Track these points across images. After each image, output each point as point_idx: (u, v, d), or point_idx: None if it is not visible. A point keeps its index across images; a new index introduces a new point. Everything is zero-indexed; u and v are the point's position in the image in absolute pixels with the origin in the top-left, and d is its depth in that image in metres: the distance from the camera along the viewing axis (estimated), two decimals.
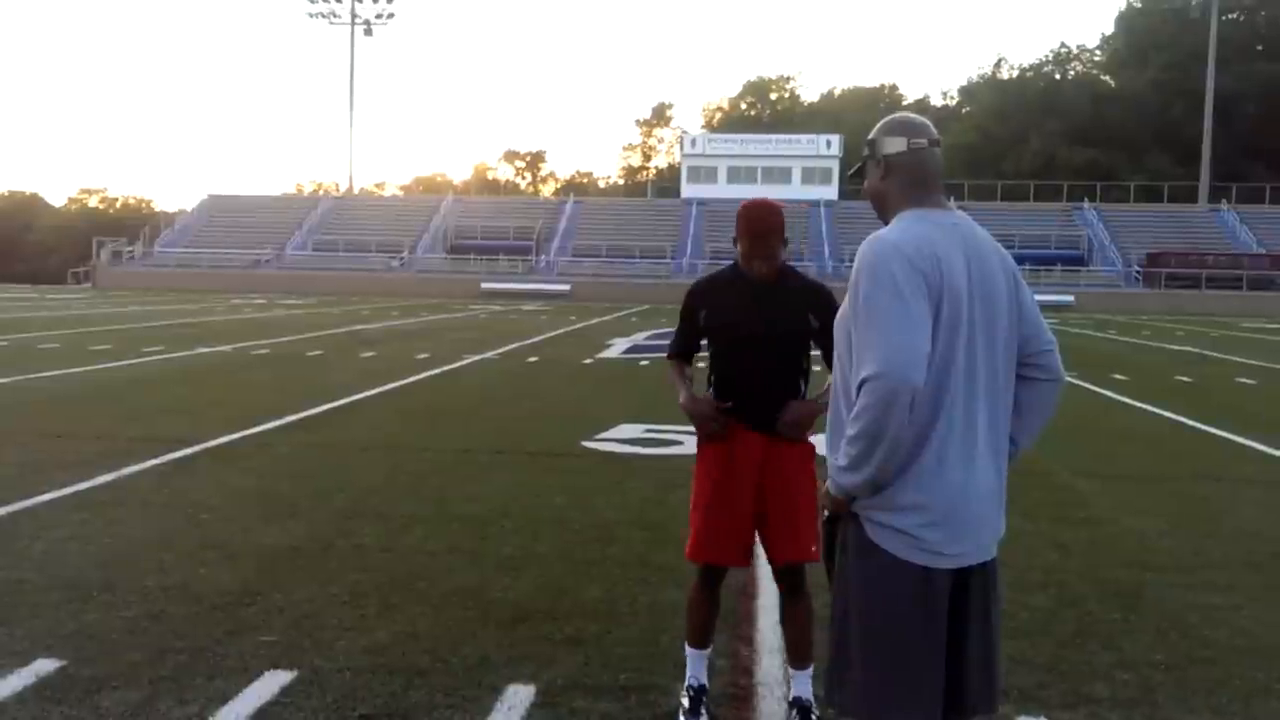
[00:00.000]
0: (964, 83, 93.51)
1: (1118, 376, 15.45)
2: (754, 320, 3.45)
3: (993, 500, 2.41)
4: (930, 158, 2.49)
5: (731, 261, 3.60)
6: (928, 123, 2.53)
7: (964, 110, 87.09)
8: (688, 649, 3.66)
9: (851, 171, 2.71)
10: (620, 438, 9.03)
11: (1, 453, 7.82)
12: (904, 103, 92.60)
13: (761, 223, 3.51)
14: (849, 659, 2.41)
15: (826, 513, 2.50)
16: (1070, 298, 46.71)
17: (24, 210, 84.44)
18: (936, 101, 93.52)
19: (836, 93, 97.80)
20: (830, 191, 60.99)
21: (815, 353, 3.44)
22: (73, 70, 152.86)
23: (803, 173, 61.93)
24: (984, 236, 2.47)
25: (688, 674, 3.62)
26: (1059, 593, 4.96)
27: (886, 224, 2.47)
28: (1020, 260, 45.29)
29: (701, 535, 3.61)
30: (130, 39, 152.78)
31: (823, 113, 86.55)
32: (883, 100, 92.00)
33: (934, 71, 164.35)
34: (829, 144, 61.99)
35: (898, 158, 2.48)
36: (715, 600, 3.70)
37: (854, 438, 2.28)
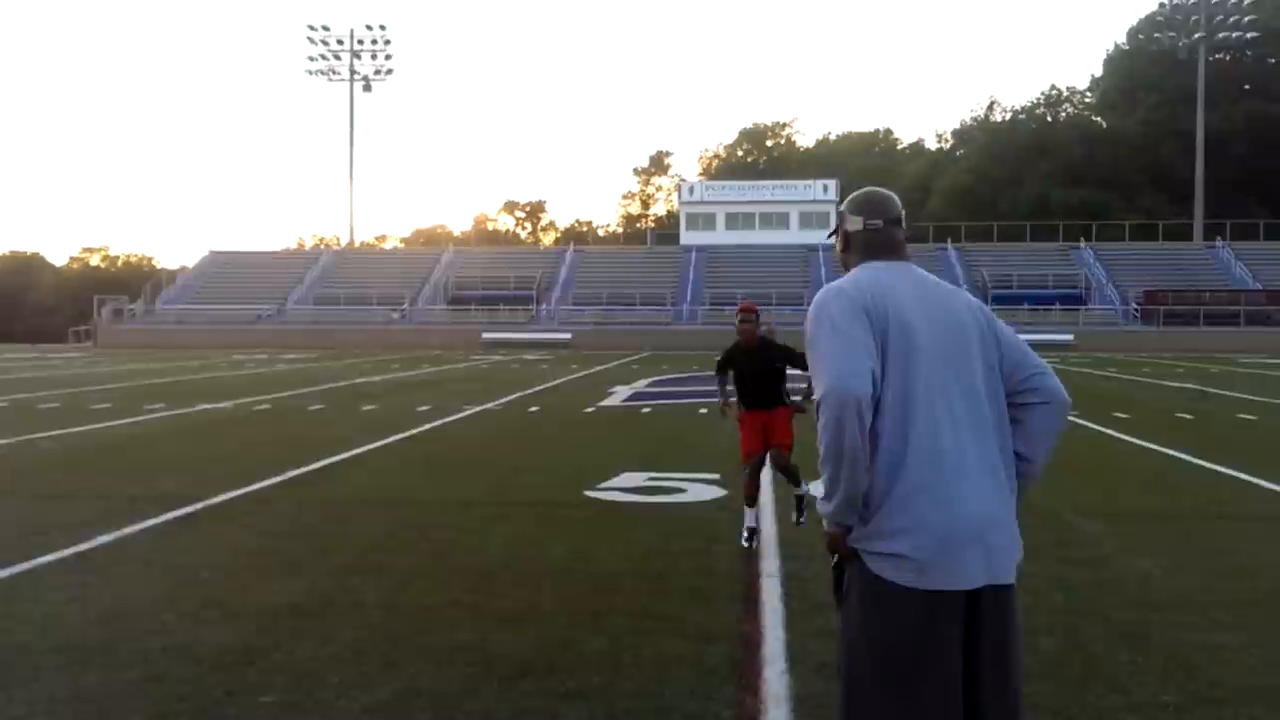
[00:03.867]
0: (958, 125, 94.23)
1: (1119, 414, 15.43)
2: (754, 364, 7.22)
3: (991, 521, 2.44)
4: (886, 237, 2.74)
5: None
6: (891, 201, 2.79)
7: (958, 153, 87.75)
8: (745, 509, 6.89)
9: (829, 234, 3.02)
10: (623, 486, 9.01)
11: (2, 514, 7.80)
12: (899, 146, 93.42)
13: (748, 320, 7.19)
14: (861, 694, 2.42)
15: (835, 557, 2.55)
16: (1070, 336, 46.78)
17: (25, 270, 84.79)
18: (931, 144, 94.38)
19: (832, 138, 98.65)
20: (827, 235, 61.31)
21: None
22: (74, 129, 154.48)
23: (800, 217, 62.27)
24: (941, 282, 2.70)
25: (745, 522, 6.85)
26: (1065, 634, 4.93)
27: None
28: (1019, 300, 45.53)
29: (746, 450, 7.12)
30: (131, 99, 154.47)
31: (819, 158, 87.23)
32: (878, 144, 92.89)
33: (928, 114, 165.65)
34: (825, 189, 62.39)
35: (855, 235, 2.77)
36: (758, 479, 7.05)
37: (822, 460, 2.42)
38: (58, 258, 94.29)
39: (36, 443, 12.18)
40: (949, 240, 60.18)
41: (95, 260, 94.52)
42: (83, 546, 6.60)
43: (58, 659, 4.54)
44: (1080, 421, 14.03)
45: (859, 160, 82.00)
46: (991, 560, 2.41)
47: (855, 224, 2.76)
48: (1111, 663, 4.55)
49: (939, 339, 2.51)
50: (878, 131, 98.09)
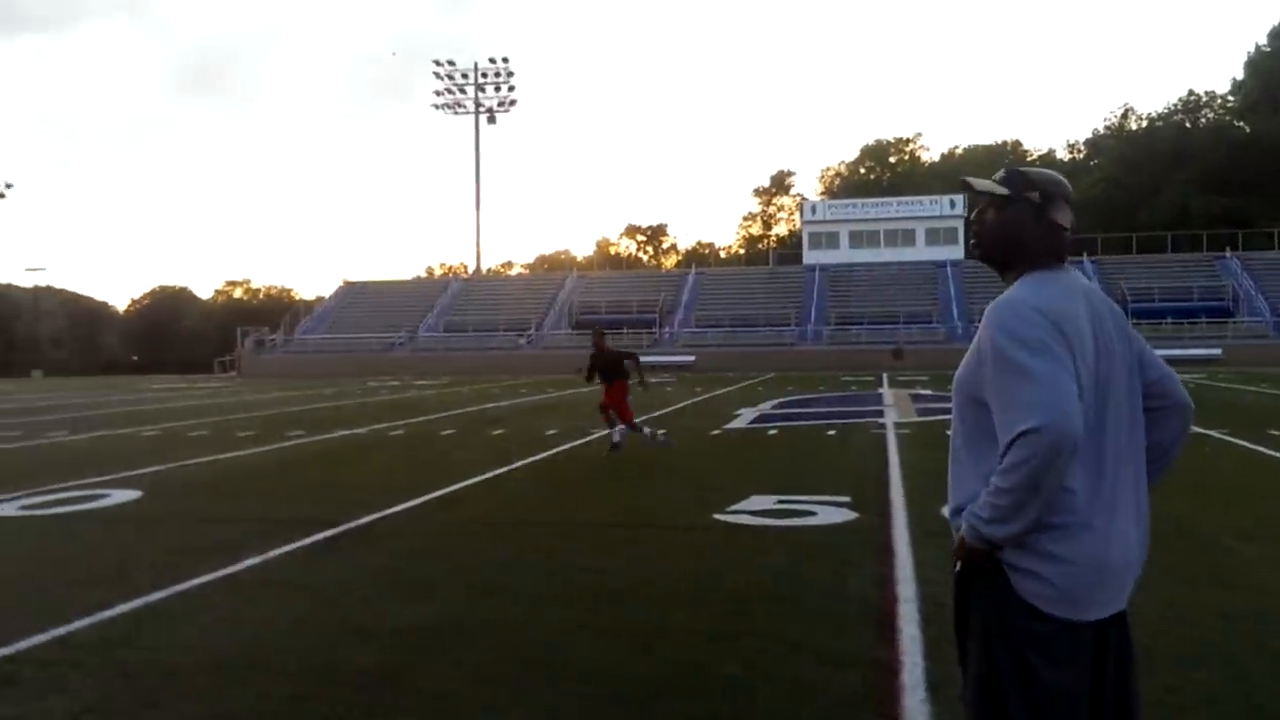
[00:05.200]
0: (1090, 135, 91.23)
1: (1274, 432, 14.62)
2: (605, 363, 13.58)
3: (1137, 550, 2.41)
4: (1064, 239, 2.54)
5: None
6: (1070, 192, 2.56)
7: (1092, 163, 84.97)
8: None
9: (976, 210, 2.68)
10: (752, 509, 8.92)
11: (155, 537, 8.16)
12: (1029, 158, 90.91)
13: (601, 348, 13.71)
14: (995, 714, 2.37)
15: (959, 565, 2.45)
16: (1217, 350, 44.59)
17: (174, 303, 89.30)
18: (1062, 155, 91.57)
19: (958, 152, 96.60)
20: (956, 251, 60.04)
21: None
22: (216, 168, 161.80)
23: (927, 234, 61.18)
24: (1097, 292, 2.53)
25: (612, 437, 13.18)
26: (1225, 668, 4.65)
27: (1004, 274, 2.55)
28: (1161, 314, 43.70)
29: (603, 404, 13.65)
30: (269, 137, 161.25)
31: (944, 173, 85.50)
32: (1006, 157, 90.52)
33: (1058, 124, 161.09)
34: (952, 204, 61.19)
35: (1060, 231, 2.53)
36: (608, 414, 13.57)
37: (1006, 490, 2.27)
38: (204, 291, 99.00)
39: (187, 469, 12.73)
40: (1084, 253, 58.20)
41: (238, 293, 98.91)
42: (231, 569, 6.85)
43: (206, 679, 4.69)
44: (1232, 440, 13.35)
45: (986, 174, 79.63)
46: (1128, 589, 2.41)
47: (1066, 217, 2.52)
48: (1276, 700, 4.28)
49: (1106, 361, 2.41)
50: (1005, 144, 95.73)
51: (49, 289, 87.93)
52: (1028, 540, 2.31)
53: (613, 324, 55.57)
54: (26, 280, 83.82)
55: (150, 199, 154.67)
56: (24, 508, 9.63)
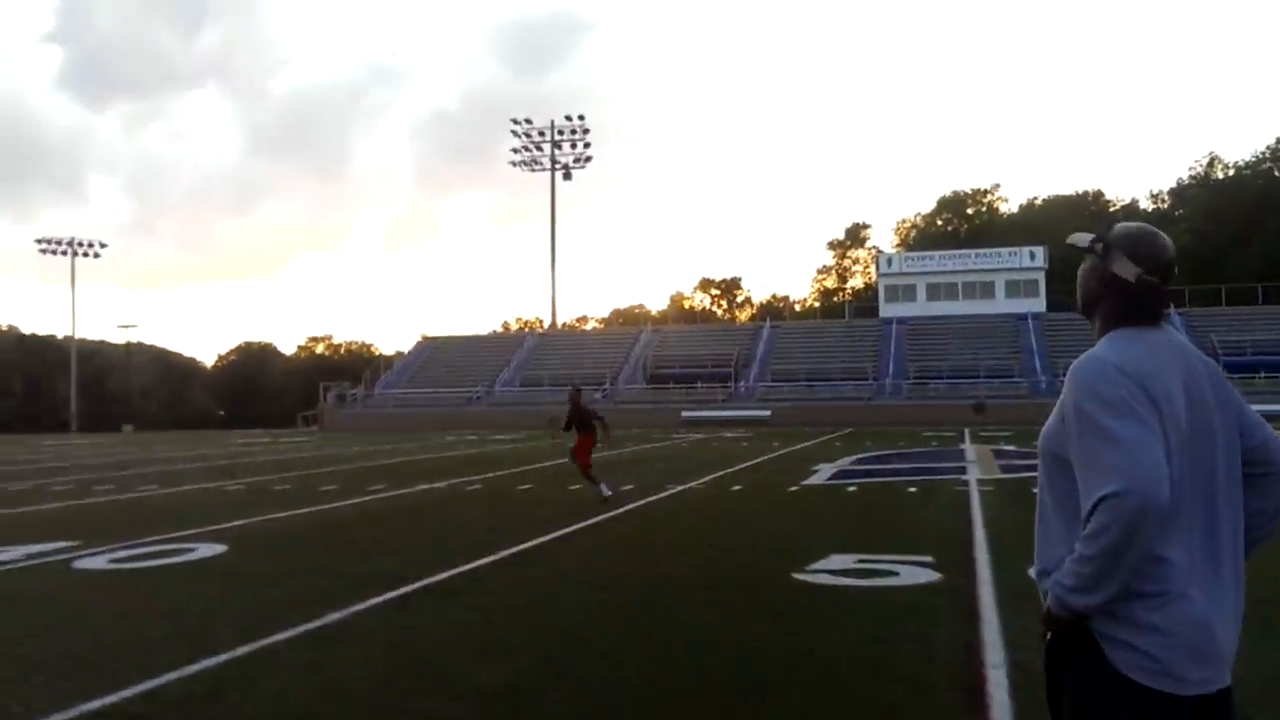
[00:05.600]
0: (1174, 184, 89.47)
1: None
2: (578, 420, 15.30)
3: (1236, 622, 2.31)
4: (1156, 295, 2.43)
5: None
6: (1168, 249, 2.45)
7: (1177, 213, 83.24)
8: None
9: (1084, 244, 2.56)
10: (832, 568, 8.77)
11: (240, 591, 8.27)
12: (1111, 209, 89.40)
13: (576, 406, 15.50)
14: None
15: (1049, 634, 2.37)
16: None
17: (259, 358, 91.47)
18: (1146, 205, 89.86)
19: (1038, 202, 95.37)
20: (1037, 304, 59.05)
21: None
22: (300, 225, 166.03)
23: (1007, 286, 60.30)
24: (1191, 348, 2.44)
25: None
26: None
27: (1093, 325, 2.49)
28: (1255, 368, 42.28)
29: (581, 461, 15.07)
30: (350, 197, 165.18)
31: (1023, 224, 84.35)
32: (1087, 208, 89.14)
33: (1141, 174, 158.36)
34: (1033, 256, 60.32)
35: (1123, 284, 2.43)
36: (579, 463, 15.08)
37: (1089, 557, 2.20)
38: (288, 347, 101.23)
39: (271, 523, 12.94)
40: (1172, 305, 56.79)
41: (321, 349, 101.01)
42: (314, 624, 6.91)
43: None
44: None
45: (1067, 225, 78.69)
46: (1229, 662, 2.30)
47: (1126, 269, 2.41)
48: None
49: (1201, 422, 2.32)
50: (1086, 194, 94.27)
51: (140, 345, 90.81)
52: (1120, 609, 2.23)
53: (687, 378, 55.63)
54: (119, 337, 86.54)
55: (236, 256, 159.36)
56: (113, 561, 9.85)
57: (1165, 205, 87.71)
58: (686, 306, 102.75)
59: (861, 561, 9.08)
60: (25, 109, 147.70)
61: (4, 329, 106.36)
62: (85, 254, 76.01)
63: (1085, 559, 2.20)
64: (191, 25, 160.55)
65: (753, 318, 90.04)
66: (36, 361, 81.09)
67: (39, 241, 76.62)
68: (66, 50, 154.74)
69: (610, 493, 14.59)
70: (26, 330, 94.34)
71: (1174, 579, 2.21)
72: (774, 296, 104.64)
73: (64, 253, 75.27)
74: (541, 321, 79.78)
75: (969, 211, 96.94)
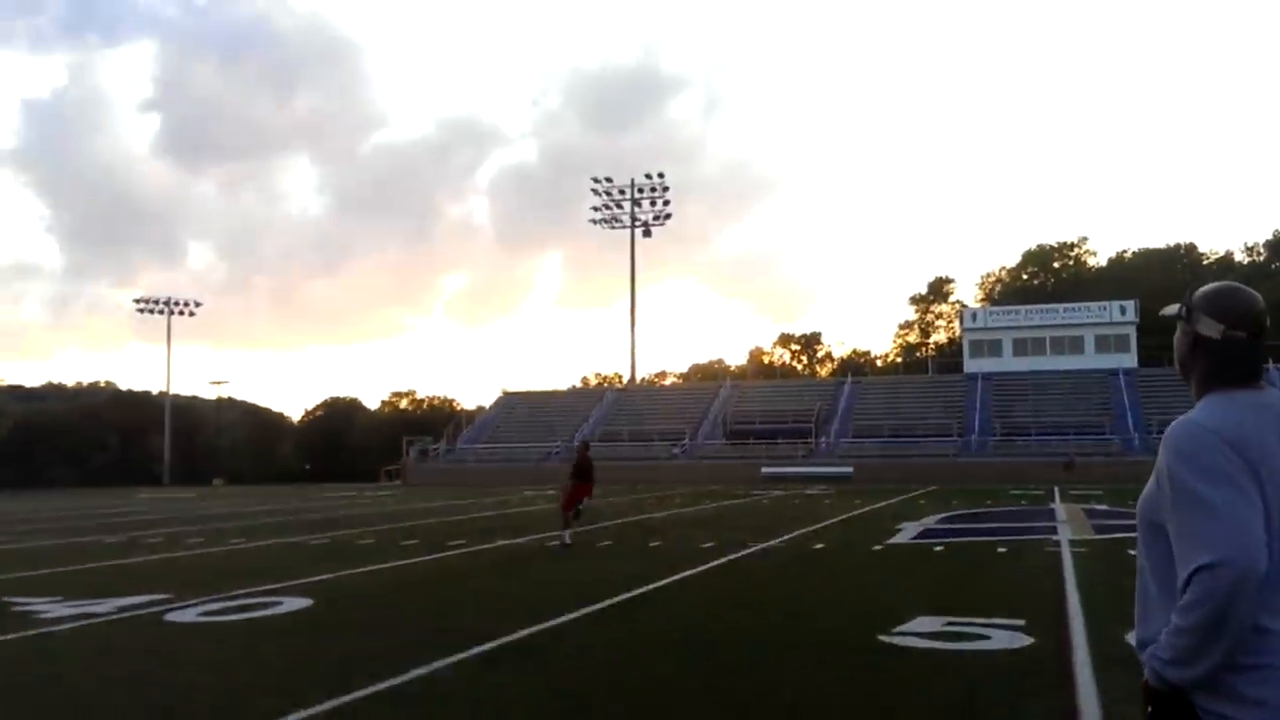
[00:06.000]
0: (1271, 235, 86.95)
1: None
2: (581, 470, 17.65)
3: None
4: (1249, 354, 2.36)
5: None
6: (1258, 305, 2.38)
7: (1274, 265, 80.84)
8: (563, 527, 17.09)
9: (1175, 314, 2.49)
10: (919, 631, 8.55)
11: (326, 646, 8.36)
12: (1204, 261, 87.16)
13: (582, 457, 17.97)
14: None
15: (1150, 707, 2.28)
16: None
17: (344, 414, 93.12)
18: (1241, 258, 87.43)
19: (1127, 256, 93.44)
20: (1129, 359, 57.57)
21: None
22: (385, 282, 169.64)
23: (1096, 341, 58.92)
24: None
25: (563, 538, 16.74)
26: None
27: (1191, 390, 2.41)
28: None
29: (569, 500, 17.32)
30: (435, 254, 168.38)
31: (1112, 278, 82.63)
32: (1179, 261, 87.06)
33: (1235, 225, 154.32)
34: (1123, 310, 58.90)
35: (1210, 343, 2.38)
36: (570, 512, 17.13)
37: (1185, 630, 2.14)
38: (372, 402, 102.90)
39: (355, 577, 13.08)
40: (1270, 361, 55.01)
41: (404, 403, 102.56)
42: (398, 679, 6.93)
43: None
44: None
45: (1157, 278, 76.95)
46: None
47: (1211, 328, 2.36)
48: None
49: None
50: (1178, 246, 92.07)
51: (230, 401, 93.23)
52: (1221, 682, 2.14)
53: (767, 434, 55.21)
54: (210, 393, 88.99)
55: (323, 315, 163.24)
56: (203, 614, 10.04)
57: (1261, 258, 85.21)
58: (766, 362, 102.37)
59: (950, 624, 8.85)
60: (126, 175, 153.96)
61: (102, 385, 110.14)
62: (180, 313, 78.65)
63: (1181, 631, 2.14)
64: (284, 91, 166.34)
65: (833, 373, 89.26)
66: (132, 416, 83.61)
67: (137, 301, 79.51)
68: (165, 117, 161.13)
69: (570, 543, 16.51)
70: (123, 386, 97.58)
71: (1276, 651, 2.13)
72: (854, 351, 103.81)
73: (160, 311, 77.94)
74: (620, 376, 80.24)
75: (1055, 265, 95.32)
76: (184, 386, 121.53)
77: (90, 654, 8.32)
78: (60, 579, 13.18)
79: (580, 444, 19.04)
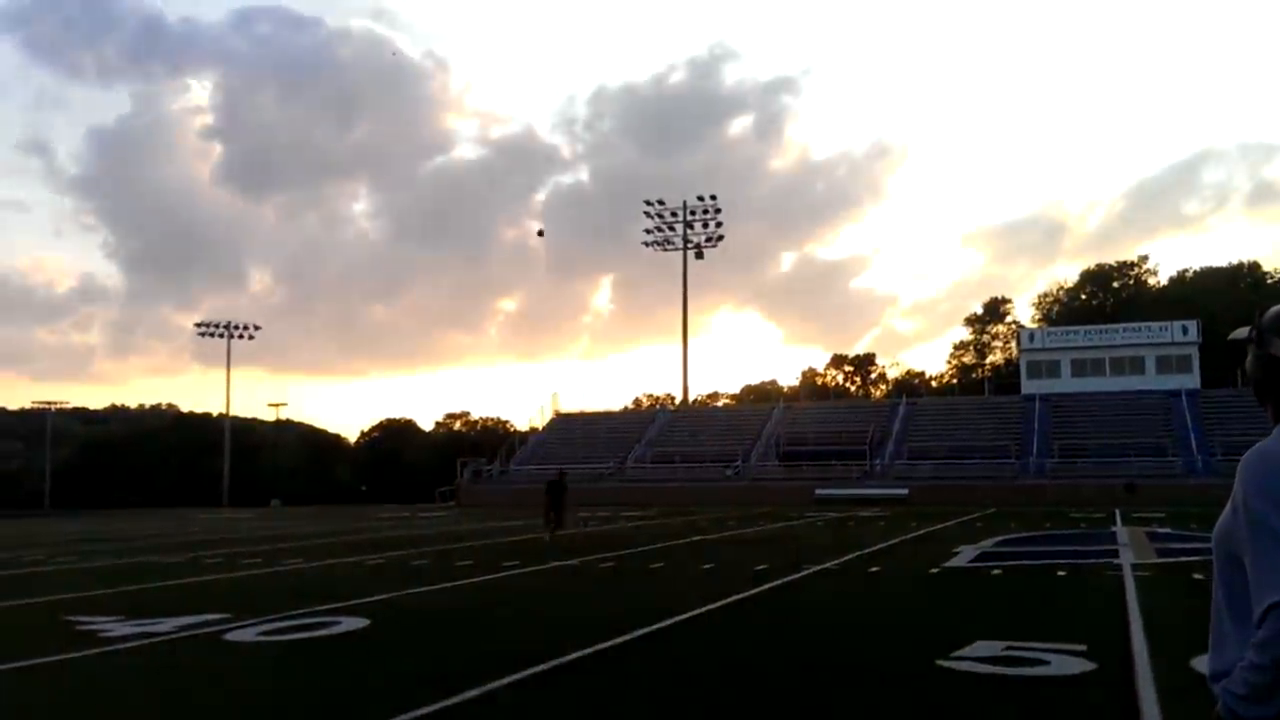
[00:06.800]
0: None
1: None
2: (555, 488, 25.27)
3: None
4: None
5: None
6: None
7: None
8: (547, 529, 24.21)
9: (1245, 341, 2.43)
10: (978, 656, 8.41)
11: (383, 666, 8.41)
12: (1269, 280, 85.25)
13: (559, 481, 25.80)
14: None
15: None
16: None
17: (399, 435, 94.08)
18: None
19: (1189, 275, 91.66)
20: (1191, 380, 56.41)
21: None
22: (441, 307, 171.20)
23: (1158, 362, 57.82)
24: None
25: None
26: None
27: (1267, 414, 2.31)
28: None
29: (545, 512, 25.16)
30: (490, 278, 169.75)
31: (1173, 298, 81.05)
32: (1243, 280, 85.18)
33: None
34: (1185, 330, 57.76)
35: None
36: (548, 523, 24.66)
37: (1261, 667, 2.05)
38: (426, 423, 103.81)
39: (411, 597, 13.16)
40: None
41: (458, 425, 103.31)
42: (454, 700, 6.95)
43: None
44: None
45: (1221, 298, 75.32)
46: None
47: None
48: None
49: None
50: (1241, 265, 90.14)
51: (288, 423, 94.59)
52: None
53: (821, 455, 54.79)
54: (269, 414, 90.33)
55: (380, 337, 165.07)
56: (262, 634, 10.15)
57: None
58: (819, 383, 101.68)
59: (1010, 649, 8.69)
60: (189, 202, 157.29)
61: (164, 408, 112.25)
62: (240, 336, 79.96)
63: (1256, 668, 2.07)
64: (344, 118, 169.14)
65: (887, 395, 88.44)
66: (193, 439, 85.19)
67: (198, 325, 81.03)
68: (227, 144, 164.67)
69: (550, 541, 22.46)
70: (185, 409, 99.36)
71: None
72: (909, 372, 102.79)
73: (221, 335, 79.33)
74: (673, 398, 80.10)
75: (1115, 285, 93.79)
76: (243, 409, 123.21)
77: (151, 673, 8.45)
78: (122, 598, 13.41)
79: (558, 471, 27.65)
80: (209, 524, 37.86)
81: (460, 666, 8.20)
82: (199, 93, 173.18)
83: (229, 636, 9.99)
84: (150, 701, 7.35)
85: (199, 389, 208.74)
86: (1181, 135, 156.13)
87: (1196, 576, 13.09)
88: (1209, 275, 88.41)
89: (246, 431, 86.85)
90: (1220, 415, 49.81)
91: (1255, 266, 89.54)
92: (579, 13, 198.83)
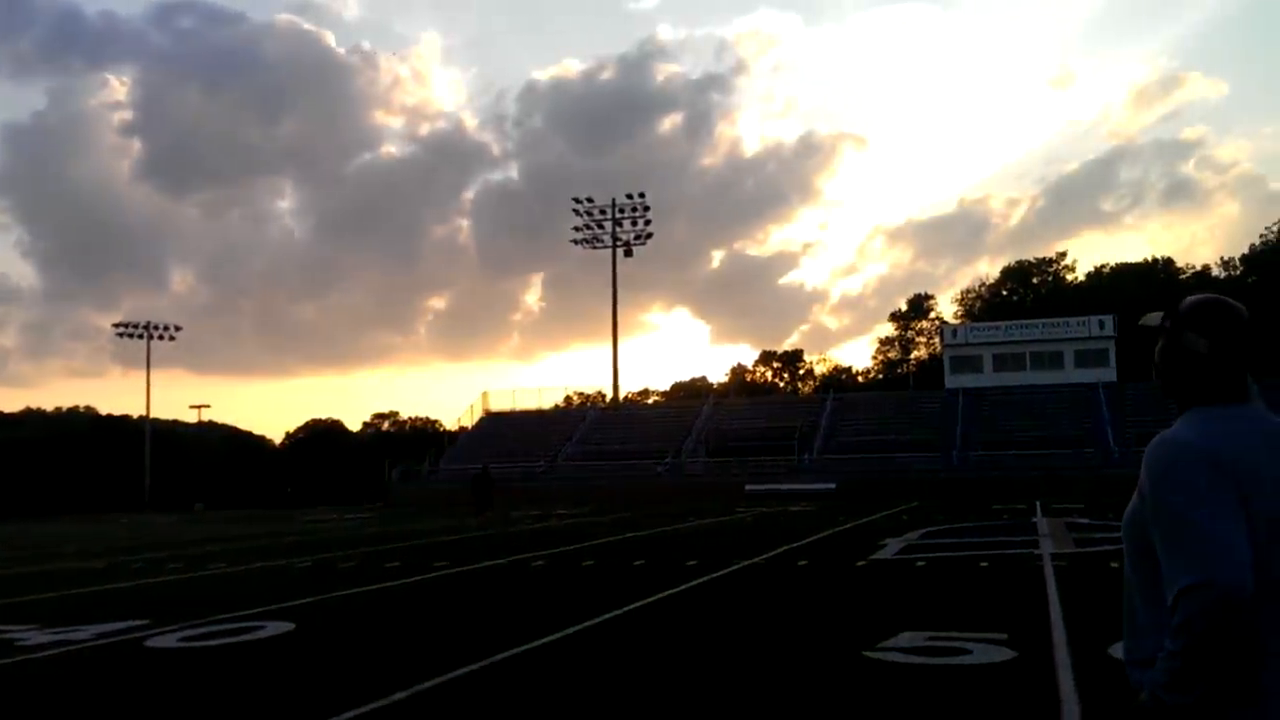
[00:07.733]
0: (1246, 250, 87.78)
1: None
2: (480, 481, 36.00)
3: None
4: (1236, 368, 2.30)
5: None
6: (1244, 319, 2.33)
7: (1249, 280, 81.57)
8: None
9: (1154, 325, 2.48)
10: (903, 646, 8.56)
11: (308, 670, 8.30)
12: (1180, 277, 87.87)
13: (485, 474, 36.87)
14: None
15: None
16: None
17: (326, 437, 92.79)
18: (1218, 272, 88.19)
19: (1106, 270, 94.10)
20: (1108, 374, 57.92)
21: None
22: (367, 305, 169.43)
23: (1076, 356, 59.27)
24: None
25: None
26: None
27: (1174, 403, 2.36)
28: None
29: (472, 505, 35.87)
30: (418, 276, 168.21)
31: (1091, 294, 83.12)
32: (1157, 275, 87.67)
33: (1212, 240, 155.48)
34: (1102, 324, 59.26)
35: (1196, 358, 2.32)
36: (476, 512, 35.01)
37: (1176, 653, 2.08)
38: (354, 424, 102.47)
39: (337, 600, 12.99)
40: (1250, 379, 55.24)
41: (386, 425, 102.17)
42: (381, 703, 6.88)
43: None
44: None
45: (1136, 293, 77.47)
46: None
47: (1197, 343, 2.30)
48: None
49: None
50: (1156, 260, 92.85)
51: (212, 424, 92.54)
52: (1216, 708, 2.09)
53: (750, 451, 55.22)
54: (191, 416, 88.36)
55: (305, 338, 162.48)
56: (183, 639, 9.95)
57: (1238, 272, 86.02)
58: (748, 380, 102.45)
59: (934, 639, 8.86)
60: (108, 199, 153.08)
61: (81, 410, 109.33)
62: (161, 337, 78.07)
63: (1174, 655, 2.09)
64: (268, 114, 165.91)
65: (815, 390, 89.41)
66: (112, 441, 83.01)
67: (116, 326, 78.86)
68: (147, 141, 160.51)
69: (476, 524, 25.25)
70: (104, 412, 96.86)
71: (1273, 678, 2.10)
72: (835, 368, 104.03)
73: (141, 336, 77.34)
74: (604, 395, 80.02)
75: (1035, 281, 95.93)
76: (165, 411, 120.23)
77: (69, 682, 8.24)
78: (39, 605, 13.05)
79: (482, 466, 31.34)
80: (130, 528, 36.96)
81: (389, 669, 8.12)
82: (118, 88, 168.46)
83: (150, 643, 9.78)
84: (68, 711, 7.17)
85: (119, 391, 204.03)
86: (1099, 133, 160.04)
87: (1113, 565, 13.45)
88: (1125, 272, 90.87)
89: (168, 434, 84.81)
90: (1136, 407, 51.22)
91: (1169, 263, 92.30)
92: (509, 9, 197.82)
